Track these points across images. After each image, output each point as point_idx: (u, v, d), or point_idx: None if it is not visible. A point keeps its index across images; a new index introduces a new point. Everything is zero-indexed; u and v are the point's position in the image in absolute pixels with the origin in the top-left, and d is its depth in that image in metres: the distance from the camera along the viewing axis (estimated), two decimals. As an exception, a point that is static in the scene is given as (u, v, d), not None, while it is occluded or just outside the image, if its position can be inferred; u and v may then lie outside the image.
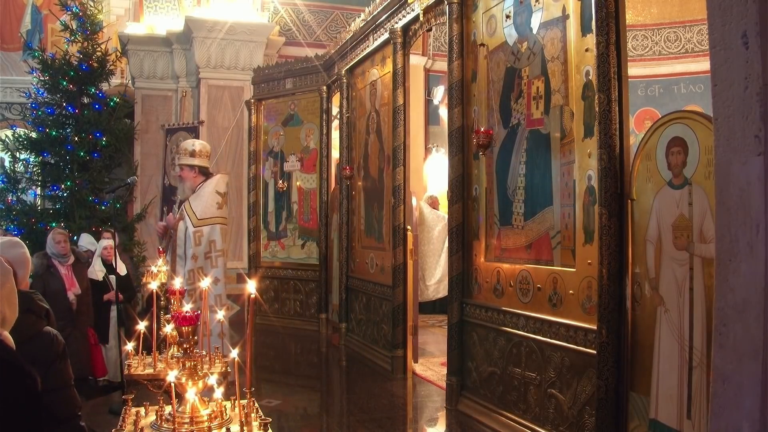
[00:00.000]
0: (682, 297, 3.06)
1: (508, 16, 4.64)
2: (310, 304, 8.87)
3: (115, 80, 10.51)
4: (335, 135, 8.83)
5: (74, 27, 9.41)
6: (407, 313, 6.34)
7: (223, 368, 2.62)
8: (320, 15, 10.40)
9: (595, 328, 3.54)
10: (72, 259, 5.55)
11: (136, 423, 2.15)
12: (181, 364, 2.06)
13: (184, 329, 2.07)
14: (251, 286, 1.87)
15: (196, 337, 2.11)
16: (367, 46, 7.26)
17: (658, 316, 3.19)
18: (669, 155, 3.17)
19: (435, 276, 9.24)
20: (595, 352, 3.53)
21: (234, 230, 9.18)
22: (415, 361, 6.52)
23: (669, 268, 3.15)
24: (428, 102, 10.48)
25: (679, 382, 3.05)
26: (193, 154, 5.22)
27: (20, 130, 9.66)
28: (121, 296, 5.95)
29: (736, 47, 1.69)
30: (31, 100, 9.51)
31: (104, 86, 9.66)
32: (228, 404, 2.19)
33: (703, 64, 8.51)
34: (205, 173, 5.28)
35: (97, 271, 5.95)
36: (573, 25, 3.95)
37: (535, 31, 4.34)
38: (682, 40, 9.51)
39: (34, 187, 9.85)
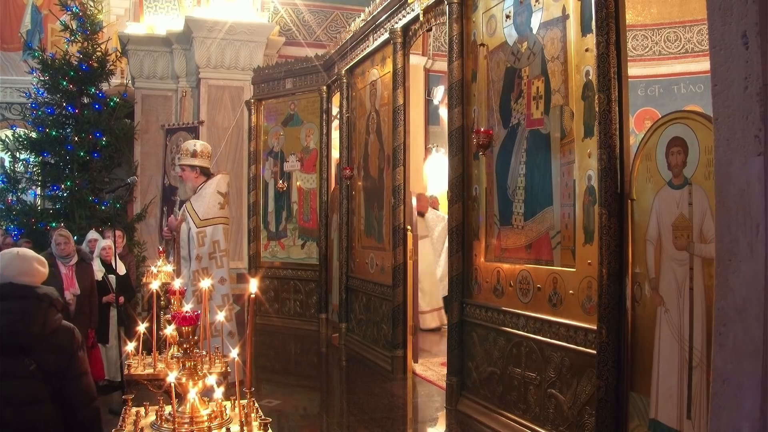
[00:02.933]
0: (682, 297, 3.05)
1: (508, 16, 4.64)
2: (310, 304, 8.87)
3: (115, 80, 10.51)
4: (335, 135, 8.83)
5: (74, 27, 9.42)
6: (407, 313, 6.33)
7: (223, 368, 2.62)
8: (320, 15, 10.40)
9: (595, 328, 3.54)
10: (75, 259, 5.55)
11: (136, 423, 2.15)
12: (181, 364, 2.06)
13: (184, 329, 2.07)
14: (253, 286, 1.87)
15: (196, 337, 2.11)
16: (367, 46, 7.26)
17: (658, 316, 3.19)
18: (669, 155, 3.17)
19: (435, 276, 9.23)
20: (595, 352, 3.53)
21: (234, 230, 9.17)
22: (415, 361, 6.52)
23: (669, 268, 3.15)
24: (428, 102, 10.48)
25: (679, 382, 3.05)
26: (194, 154, 5.22)
27: (20, 130, 9.66)
28: (122, 298, 5.95)
29: (736, 47, 1.69)
30: (31, 100, 9.51)
31: (104, 86, 9.66)
32: (228, 404, 2.19)
33: (703, 64, 8.50)
34: (206, 173, 5.28)
35: (96, 270, 5.95)
36: (573, 25, 3.95)
37: (535, 31, 4.33)
38: (682, 40, 9.51)
39: (34, 187, 9.86)
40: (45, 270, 2.79)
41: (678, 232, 3.10)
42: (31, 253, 2.82)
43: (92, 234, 6.71)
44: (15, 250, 2.82)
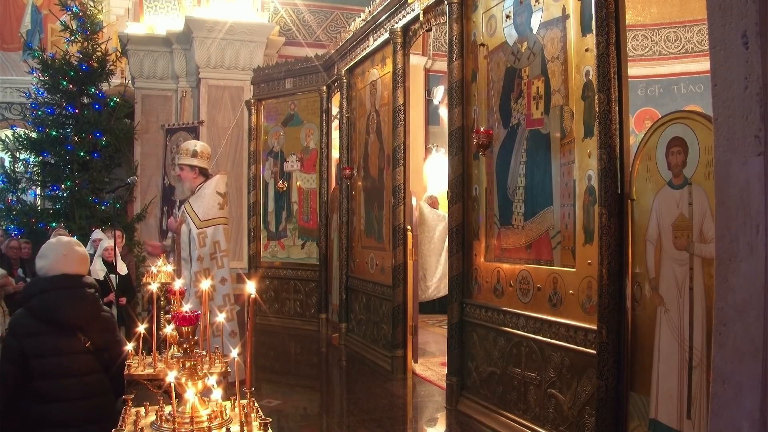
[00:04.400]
0: (682, 297, 3.06)
1: (508, 16, 4.64)
2: (310, 304, 8.87)
3: (115, 80, 10.52)
4: (335, 135, 8.83)
5: (74, 27, 9.43)
6: (407, 313, 6.33)
7: (223, 368, 2.62)
8: (320, 15, 10.40)
9: (595, 328, 3.54)
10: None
11: (136, 423, 2.15)
12: (180, 364, 2.06)
13: (184, 329, 2.07)
14: (251, 287, 1.86)
15: (196, 337, 2.11)
16: (367, 46, 7.26)
17: (658, 316, 3.19)
18: (669, 155, 3.17)
19: (436, 275, 9.25)
20: (595, 352, 3.53)
21: (234, 230, 9.18)
22: (415, 361, 6.52)
23: (669, 268, 3.15)
24: (428, 102, 10.48)
25: (679, 382, 3.05)
26: (194, 154, 5.22)
27: (20, 130, 9.68)
28: (123, 299, 5.95)
29: (736, 47, 1.69)
30: (31, 100, 9.53)
31: (104, 86, 9.67)
32: (228, 404, 2.19)
33: (703, 64, 8.51)
34: (205, 174, 5.29)
35: (97, 270, 5.96)
36: (573, 25, 3.95)
37: (535, 31, 4.34)
38: (682, 40, 9.51)
39: (34, 187, 9.87)
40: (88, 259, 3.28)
41: (678, 232, 3.11)
42: (75, 242, 3.22)
43: (96, 234, 6.71)
44: (63, 239, 3.18)
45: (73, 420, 2.92)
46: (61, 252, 3.08)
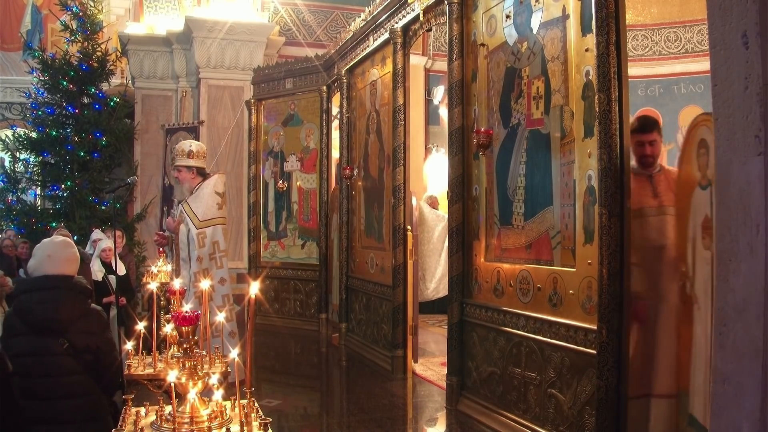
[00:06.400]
0: (707, 295, 3.09)
1: (508, 16, 4.64)
2: (310, 304, 8.86)
3: (115, 80, 10.52)
4: (335, 135, 8.83)
5: (74, 27, 9.43)
6: (407, 313, 6.33)
7: (223, 368, 2.62)
8: (320, 15, 10.40)
9: (595, 328, 3.54)
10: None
11: (136, 423, 2.15)
12: (181, 364, 2.06)
13: (184, 329, 2.07)
14: (254, 288, 1.86)
15: (196, 337, 2.11)
16: (367, 46, 7.26)
17: (694, 314, 3.24)
18: (698, 157, 3.23)
19: (435, 276, 9.25)
20: (595, 352, 3.54)
21: (234, 230, 9.18)
22: (415, 361, 6.52)
23: (701, 267, 3.19)
24: (428, 102, 10.47)
25: (705, 379, 3.08)
26: (190, 155, 5.22)
27: (20, 130, 9.68)
28: (123, 299, 5.94)
29: (736, 47, 1.69)
30: (31, 100, 9.53)
31: (104, 86, 9.67)
32: (228, 404, 2.19)
33: (703, 64, 8.49)
34: (203, 174, 5.28)
35: (96, 271, 5.95)
36: (573, 25, 3.95)
37: (535, 31, 4.33)
38: (682, 40, 9.50)
39: (34, 187, 9.88)
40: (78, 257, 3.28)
41: (705, 232, 3.14)
42: (66, 242, 3.22)
43: (96, 234, 6.71)
44: (55, 240, 3.21)
45: (52, 418, 2.92)
46: (46, 253, 3.09)
